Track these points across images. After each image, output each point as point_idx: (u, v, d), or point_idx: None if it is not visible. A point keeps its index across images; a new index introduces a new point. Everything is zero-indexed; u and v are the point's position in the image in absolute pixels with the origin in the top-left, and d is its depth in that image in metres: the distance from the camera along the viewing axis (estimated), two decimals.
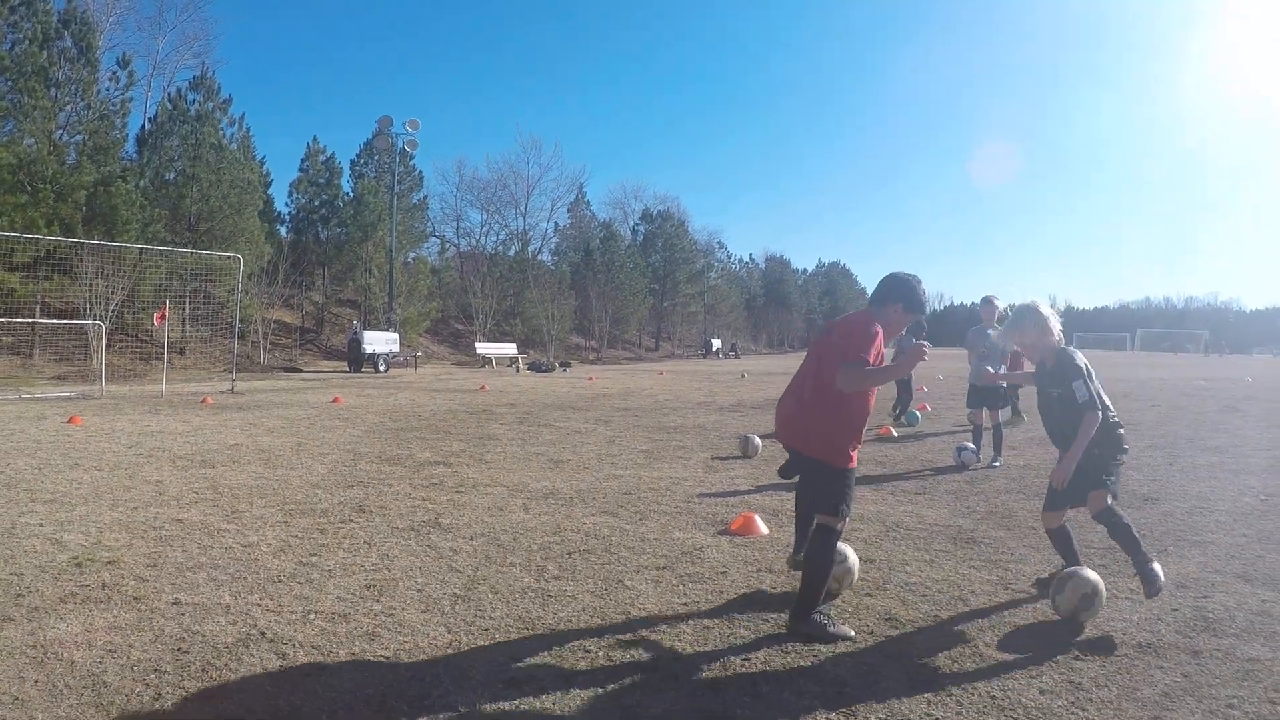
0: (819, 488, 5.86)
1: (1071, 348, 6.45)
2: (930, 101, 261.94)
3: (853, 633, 5.57)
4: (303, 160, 56.42)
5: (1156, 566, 5.94)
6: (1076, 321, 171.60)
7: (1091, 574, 5.87)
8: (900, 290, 5.92)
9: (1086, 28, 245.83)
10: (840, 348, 5.67)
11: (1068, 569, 6.03)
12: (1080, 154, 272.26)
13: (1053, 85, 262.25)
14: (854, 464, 5.82)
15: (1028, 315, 6.46)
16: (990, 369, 11.64)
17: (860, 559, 6.96)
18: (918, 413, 19.01)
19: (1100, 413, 6.16)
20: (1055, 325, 6.45)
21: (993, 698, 4.56)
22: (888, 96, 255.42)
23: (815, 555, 5.69)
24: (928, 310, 6.41)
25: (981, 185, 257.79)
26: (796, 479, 6.35)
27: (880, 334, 5.73)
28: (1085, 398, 6.13)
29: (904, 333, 18.55)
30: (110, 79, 42.46)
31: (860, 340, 5.62)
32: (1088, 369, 6.33)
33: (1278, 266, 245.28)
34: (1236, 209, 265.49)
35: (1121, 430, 6.39)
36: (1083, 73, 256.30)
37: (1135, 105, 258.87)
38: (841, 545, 6.12)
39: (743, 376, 41.86)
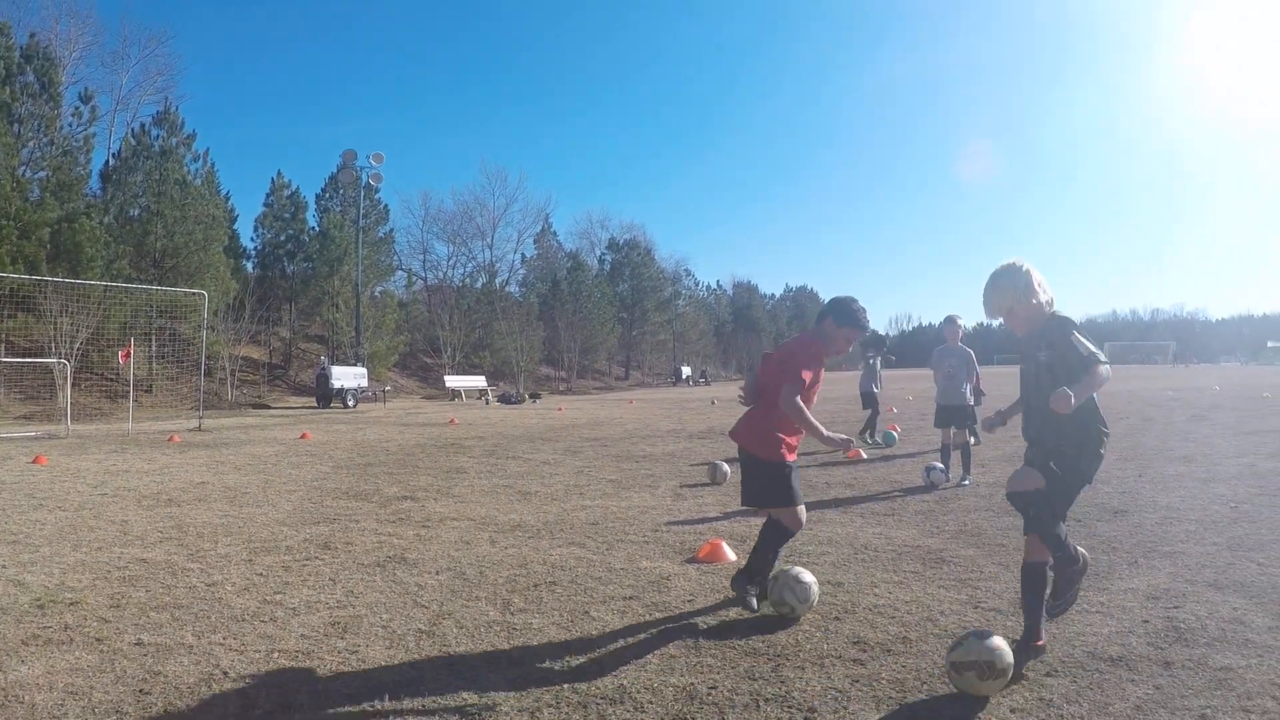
0: (761, 486, 6.71)
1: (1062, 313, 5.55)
2: (896, 126, 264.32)
3: (756, 606, 6.51)
4: (268, 195, 56.60)
5: (1074, 589, 5.73)
6: None
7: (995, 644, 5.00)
8: (831, 307, 6.72)
9: (1052, 36, 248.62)
10: (781, 371, 6.46)
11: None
12: (1046, 172, 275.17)
13: (1018, 99, 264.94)
14: (792, 458, 6.65)
15: (1007, 274, 5.56)
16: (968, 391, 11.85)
17: (828, 582, 7.05)
18: (894, 432, 19.09)
19: (1104, 367, 5.23)
20: (1040, 287, 5.51)
21: (963, 718, 4.57)
22: (854, 120, 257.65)
23: (765, 541, 6.70)
24: (866, 328, 6.80)
25: (964, 184, 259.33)
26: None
27: (818, 349, 6.56)
28: (1088, 352, 5.26)
29: (868, 354, 18.44)
30: (73, 114, 42.51)
31: (797, 360, 6.44)
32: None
33: (1243, 276, 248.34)
34: (1202, 220, 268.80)
35: (1104, 434, 5.53)
36: (1049, 83, 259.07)
37: (1100, 120, 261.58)
38: (807, 577, 6.50)
39: (713, 403, 41.98)
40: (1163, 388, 42.17)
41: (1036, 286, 5.46)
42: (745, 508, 7.15)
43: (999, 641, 4.86)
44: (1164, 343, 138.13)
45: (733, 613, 6.60)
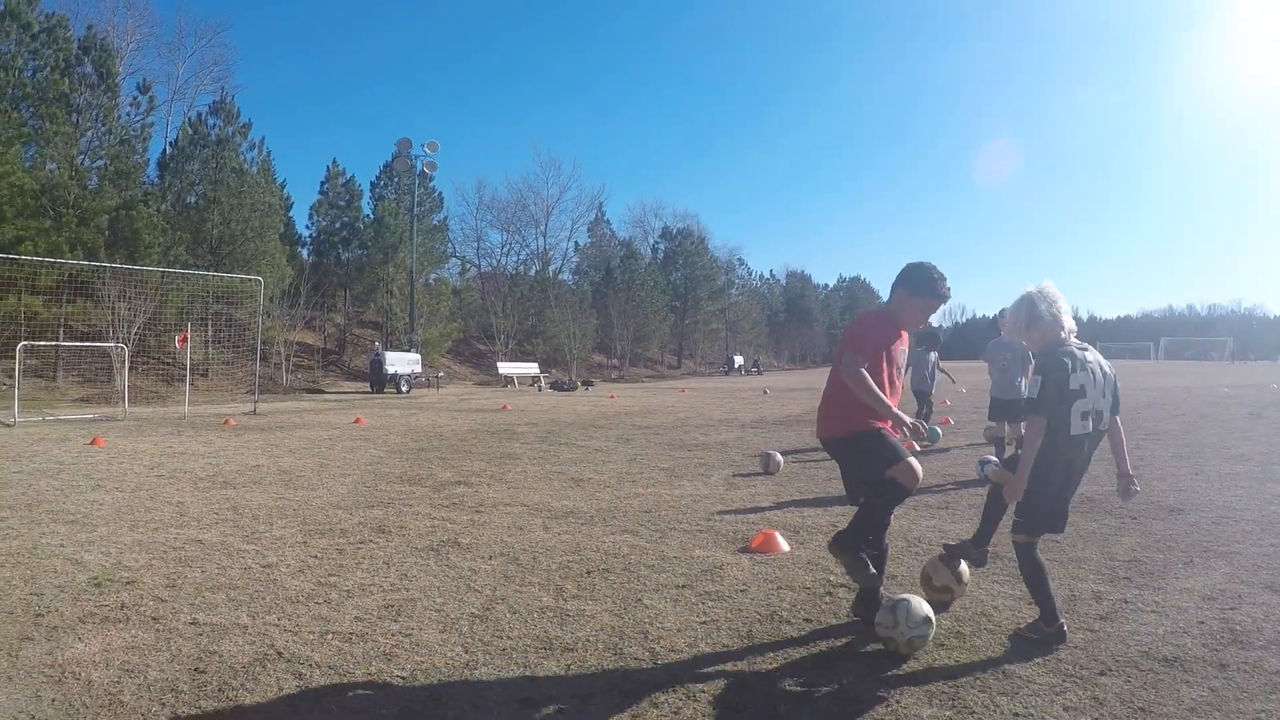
0: (859, 464, 5.97)
1: (1070, 350, 5.61)
2: (958, 121, 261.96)
3: (879, 583, 5.90)
4: (323, 183, 56.92)
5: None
6: (1100, 331, 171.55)
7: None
8: (905, 275, 6.07)
9: (1116, 29, 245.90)
10: (845, 344, 5.93)
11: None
12: (1102, 164, 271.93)
13: (1072, 93, 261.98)
14: (868, 429, 5.86)
15: (1016, 305, 5.87)
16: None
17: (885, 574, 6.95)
18: (938, 429, 18.90)
19: (1041, 415, 5.45)
20: (1047, 315, 5.65)
21: (1015, 715, 4.51)
22: (914, 115, 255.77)
23: (873, 503, 5.88)
24: (946, 296, 6.07)
25: (986, 184, 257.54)
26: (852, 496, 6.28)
27: (882, 322, 6.02)
28: (1032, 395, 5.49)
29: (920, 347, 18.14)
30: (131, 104, 43.00)
31: (858, 338, 5.90)
32: (1081, 375, 5.54)
33: None
34: (1263, 214, 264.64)
35: (1070, 465, 5.61)
36: (1107, 81, 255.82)
37: (1158, 115, 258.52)
38: (928, 610, 5.55)
39: (765, 393, 41.86)
40: (1219, 385, 41.60)
41: (1041, 319, 5.68)
42: (798, 496, 6.77)
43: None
44: (1221, 339, 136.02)
45: (786, 602, 6.55)
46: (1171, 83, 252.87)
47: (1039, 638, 5.56)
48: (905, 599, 5.41)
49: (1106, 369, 5.72)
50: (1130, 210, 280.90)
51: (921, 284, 5.98)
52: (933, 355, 18.30)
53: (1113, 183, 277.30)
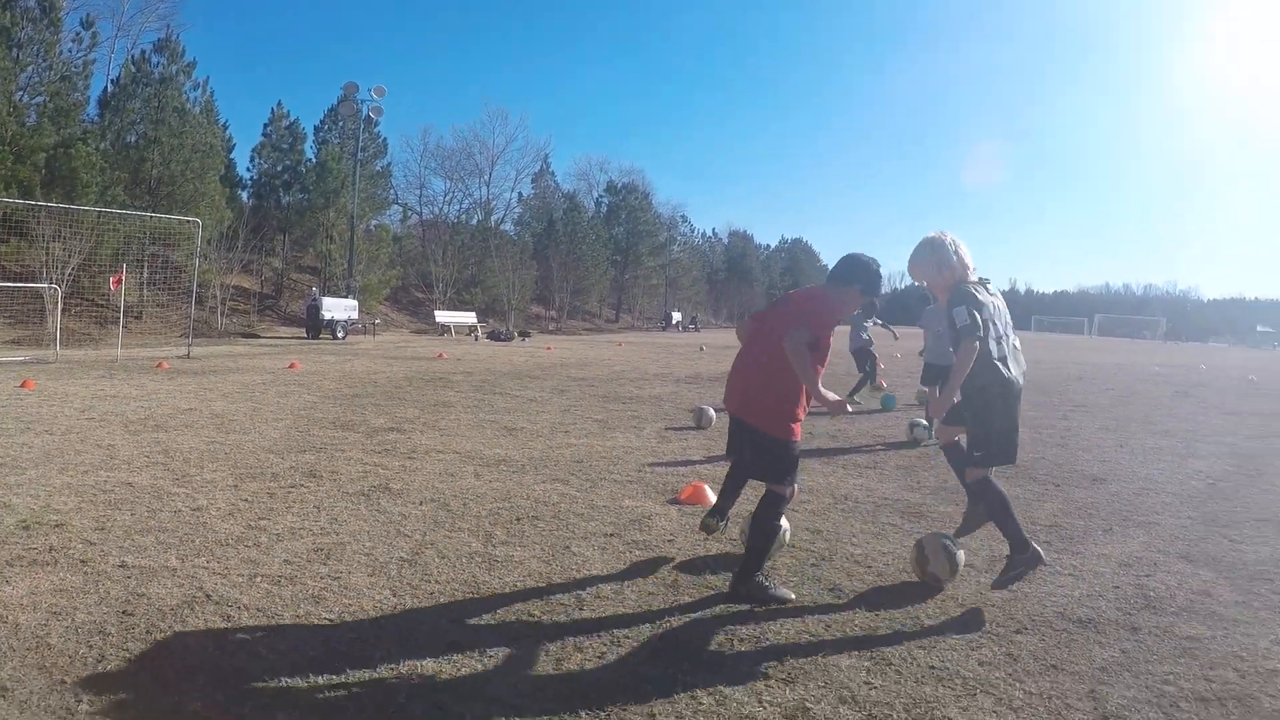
0: (764, 458, 5.92)
1: (977, 286, 5.75)
2: (900, 88, 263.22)
3: (792, 595, 5.76)
4: (266, 125, 55.71)
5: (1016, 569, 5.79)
6: (1036, 304, 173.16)
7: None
8: (861, 273, 6.00)
9: (1076, 24, 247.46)
10: (797, 318, 5.74)
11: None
12: (1047, 140, 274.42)
13: (1026, 77, 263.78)
14: (797, 437, 5.87)
15: (925, 248, 5.89)
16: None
17: (807, 530, 7.12)
18: (893, 396, 18.83)
19: (978, 342, 5.52)
20: (955, 259, 5.78)
21: (932, 668, 4.66)
22: (859, 80, 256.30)
23: (761, 521, 5.86)
24: (884, 290, 6.37)
25: (971, 182, 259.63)
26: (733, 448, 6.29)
27: (836, 314, 5.92)
28: (965, 322, 5.55)
29: (857, 311, 18.45)
30: (73, 40, 41.76)
31: (817, 317, 5.75)
32: (989, 309, 5.69)
33: (1237, 258, 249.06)
34: (1201, 201, 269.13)
35: (1003, 397, 5.70)
36: (1054, 61, 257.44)
37: (1109, 96, 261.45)
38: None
39: (701, 350, 42.01)
40: (1150, 363, 42.33)
41: (951, 261, 5.74)
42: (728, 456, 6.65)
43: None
44: (1154, 319, 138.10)
45: (712, 552, 6.70)
46: (1119, 68, 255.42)
47: (1020, 572, 5.75)
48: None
49: (1003, 304, 5.91)
50: (1070, 188, 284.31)
51: (873, 285, 6.04)
52: (865, 320, 18.42)
53: (1056, 161, 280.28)
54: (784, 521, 6.49)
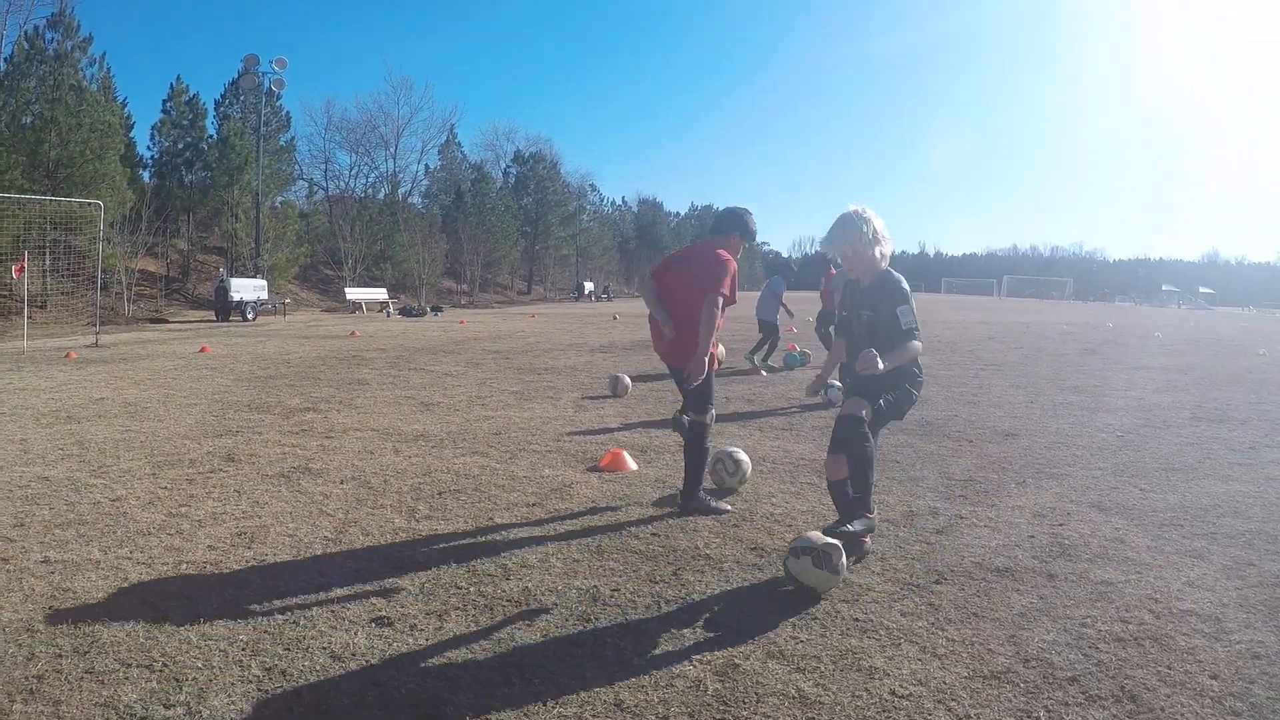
0: (691, 392, 6.84)
1: (896, 273, 5.84)
2: (805, 50, 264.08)
3: (729, 508, 6.85)
4: (165, 101, 54.55)
5: (859, 524, 5.76)
6: (945, 267, 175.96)
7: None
8: (736, 223, 7.05)
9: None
10: (702, 276, 6.66)
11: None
12: (953, 103, 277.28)
13: (926, 37, 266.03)
14: (715, 368, 6.93)
15: (851, 222, 5.78)
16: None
17: (725, 490, 7.29)
18: (796, 353, 19.09)
19: (919, 342, 5.71)
20: (883, 238, 5.79)
21: (856, 620, 4.83)
22: (769, 48, 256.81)
23: (692, 445, 7.01)
24: (757, 237, 7.06)
25: (834, 118, 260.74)
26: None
27: (731, 261, 6.80)
28: (908, 326, 5.63)
29: (773, 276, 18.61)
30: None
31: (719, 271, 6.65)
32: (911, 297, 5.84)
33: (1141, 221, 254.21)
34: (1102, 163, 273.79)
35: (919, 380, 5.95)
36: (955, 22, 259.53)
37: (1013, 58, 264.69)
38: (738, 452, 7.83)
39: (614, 319, 42.27)
40: (1057, 322, 43.19)
41: (875, 238, 5.73)
42: (645, 417, 7.44)
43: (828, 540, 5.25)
44: (1062, 279, 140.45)
45: (634, 517, 6.82)
46: (1023, 31, 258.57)
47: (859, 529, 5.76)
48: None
49: (864, 319, 5.98)
50: (980, 147, 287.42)
51: (749, 231, 7.15)
52: (781, 285, 18.60)
53: (963, 124, 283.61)
54: (744, 458, 7.82)
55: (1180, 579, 5.56)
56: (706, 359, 6.56)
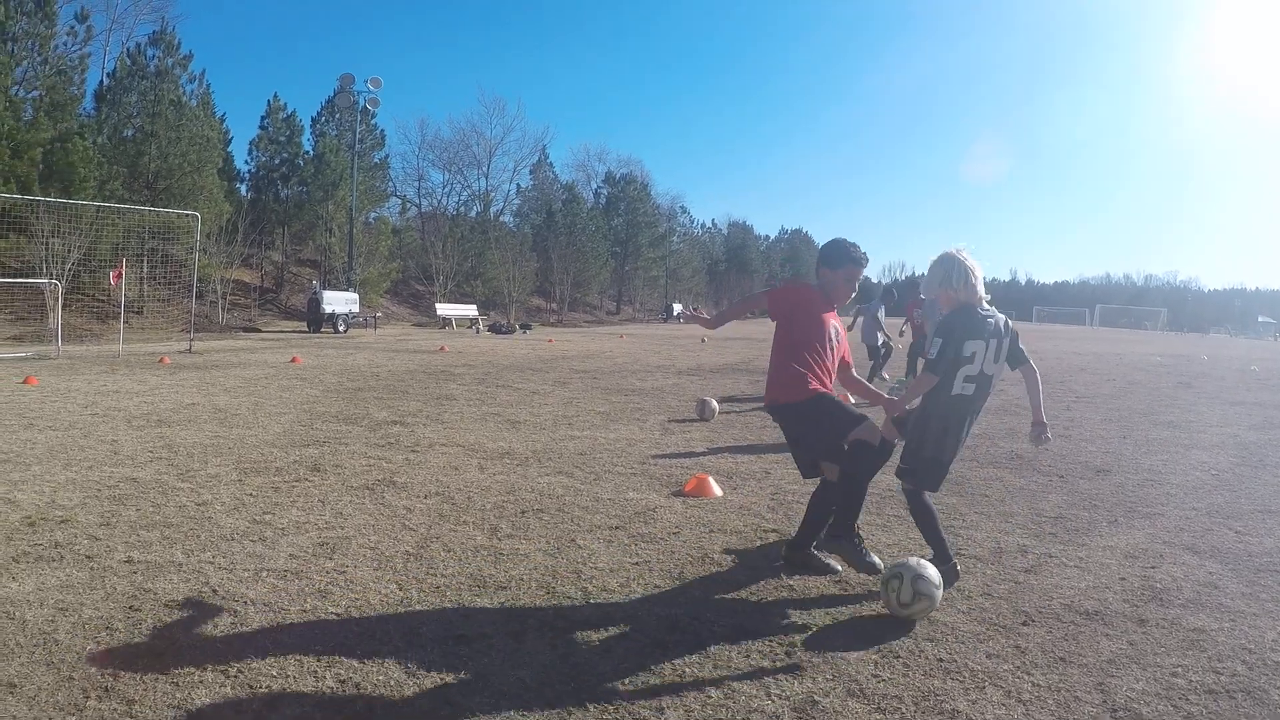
0: (810, 430, 6.03)
1: (974, 316, 5.69)
2: (899, 79, 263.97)
3: (840, 569, 6.04)
4: (263, 118, 55.73)
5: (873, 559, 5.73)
6: (1036, 295, 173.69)
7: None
8: (821, 253, 6.42)
9: (1073, 16, 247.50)
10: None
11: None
12: (1046, 131, 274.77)
13: (1025, 68, 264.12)
14: (815, 390, 5.92)
15: (937, 263, 5.91)
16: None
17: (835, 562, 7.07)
18: (885, 377, 19.08)
19: (934, 376, 5.62)
20: (959, 279, 5.71)
21: (940, 660, 4.66)
22: (858, 69, 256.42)
23: (850, 478, 5.81)
24: (863, 261, 6.29)
25: (971, 177, 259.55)
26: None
27: (810, 290, 6.24)
28: (932, 356, 5.63)
29: (876, 301, 18.43)
30: (68, 33, 41.64)
31: (780, 292, 6.36)
32: (964, 340, 5.63)
33: (1237, 249, 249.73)
34: (1199, 192, 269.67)
35: (953, 428, 5.72)
36: (1052, 52, 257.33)
37: (1107, 88, 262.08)
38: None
39: (703, 341, 42.04)
40: (1150, 353, 42.40)
41: (954, 279, 5.73)
42: (732, 442, 6.97)
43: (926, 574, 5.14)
44: (1155, 309, 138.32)
45: (717, 545, 6.69)
46: (1117, 59, 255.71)
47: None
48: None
49: (1004, 331, 5.82)
50: (1070, 179, 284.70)
51: (837, 256, 6.21)
52: (881, 311, 18.59)
53: (1055, 152, 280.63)
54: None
55: (1276, 629, 5.30)
56: (704, 313, 6.47)
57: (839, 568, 6.08)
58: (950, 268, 5.78)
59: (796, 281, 6.65)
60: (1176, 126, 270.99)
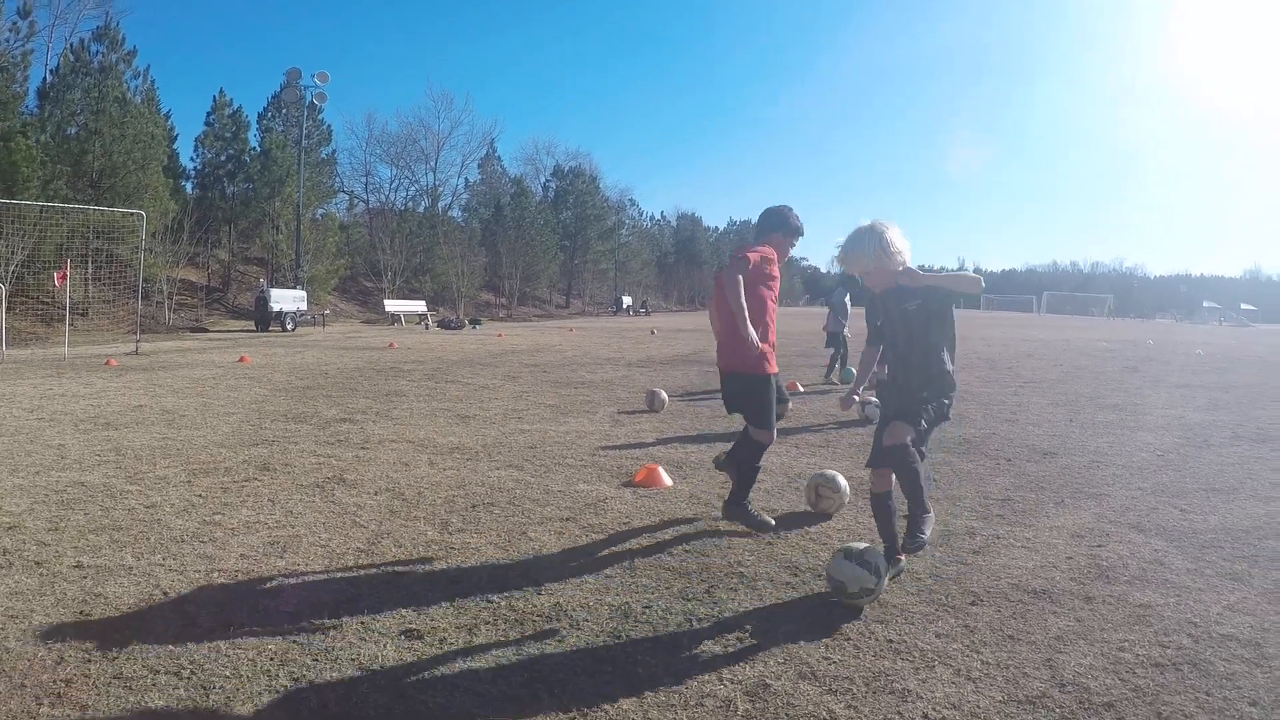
0: (742, 399, 6.84)
1: (893, 292, 5.73)
2: (848, 69, 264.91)
3: (773, 522, 6.72)
4: (209, 114, 54.99)
5: (928, 528, 5.60)
6: (985, 282, 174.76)
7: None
8: (773, 220, 6.89)
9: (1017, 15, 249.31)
10: (732, 261, 6.55)
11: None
12: (995, 120, 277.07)
13: (974, 57, 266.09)
14: (771, 370, 6.76)
15: (864, 236, 5.64)
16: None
17: (764, 509, 7.19)
18: (852, 369, 19.20)
19: (873, 348, 5.95)
20: (900, 246, 5.62)
21: (890, 641, 4.75)
22: (808, 65, 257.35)
23: (744, 454, 6.90)
24: (802, 230, 6.99)
25: (918, 167, 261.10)
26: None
27: (760, 254, 6.66)
28: (952, 273, 5.62)
29: (839, 288, 18.71)
30: (11, 30, 40.98)
31: (743, 257, 6.53)
32: (878, 316, 5.94)
33: (1182, 236, 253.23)
34: (1144, 179, 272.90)
35: (953, 391, 5.79)
36: (1001, 41, 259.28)
37: (1055, 77, 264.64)
38: (835, 474, 7.50)
39: (652, 333, 42.24)
40: (1097, 338, 42.96)
41: (891, 248, 5.58)
42: (681, 433, 7.31)
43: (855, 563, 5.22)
44: (1102, 295, 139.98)
45: (668, 534, 6.76)
46: (1066, 49, 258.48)
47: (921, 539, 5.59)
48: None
49: (911, 312, 5.69)
50: (1018, 167, 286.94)
51: (789, 226, 6.92)
52: (848, 297, 18.73)
53: (1004, 141, 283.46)
54: (843, 484, 7.45)
55: (1220, 603, 5.45)
56: (755, 348, 6.40)
57: (772, 522, 6.89)
58: (882, 241, 5.63)
59: (752, 248, 6.76)
60: (1122, 116, 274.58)
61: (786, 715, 3.92)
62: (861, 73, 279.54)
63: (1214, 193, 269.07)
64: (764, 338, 6.61)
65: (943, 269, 6.22)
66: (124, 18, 59.95)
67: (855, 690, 4.17)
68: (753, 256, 6.55)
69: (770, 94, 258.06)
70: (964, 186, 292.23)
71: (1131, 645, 4.73)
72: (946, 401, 5.73)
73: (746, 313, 6.31)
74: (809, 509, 7.43)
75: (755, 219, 7.13)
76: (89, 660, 4.32)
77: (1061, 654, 4.61)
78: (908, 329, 5.70)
